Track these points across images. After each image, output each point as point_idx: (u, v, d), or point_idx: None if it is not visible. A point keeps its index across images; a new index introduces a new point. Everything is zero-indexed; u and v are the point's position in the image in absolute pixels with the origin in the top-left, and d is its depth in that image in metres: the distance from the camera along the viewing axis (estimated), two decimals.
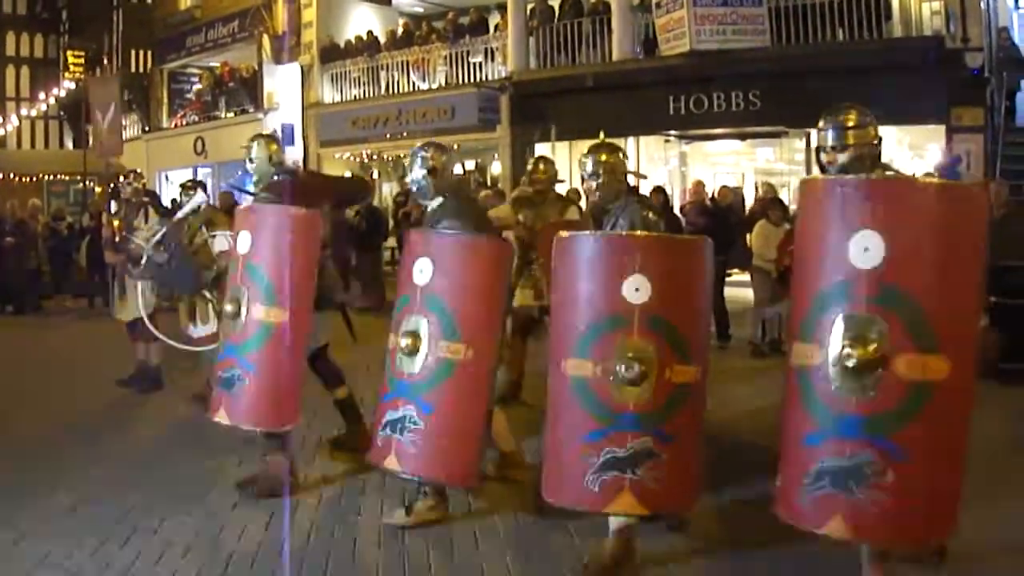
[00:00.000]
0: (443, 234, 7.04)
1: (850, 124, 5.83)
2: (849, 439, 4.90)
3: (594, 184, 6.81)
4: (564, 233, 6.46)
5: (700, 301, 6.16)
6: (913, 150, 22.01)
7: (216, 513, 7.41)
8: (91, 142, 28.54)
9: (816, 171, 6.33)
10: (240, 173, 32.26)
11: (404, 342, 6.64)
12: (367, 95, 30.13)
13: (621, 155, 7.01)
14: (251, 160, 8.63)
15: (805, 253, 5.35)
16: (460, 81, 27.52)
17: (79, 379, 13.03)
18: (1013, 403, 10.32)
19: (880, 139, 5.89)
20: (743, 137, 24.90)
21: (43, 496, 7.78)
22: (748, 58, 21.14)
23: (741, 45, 21.27)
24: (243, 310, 7.51)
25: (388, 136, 28.20)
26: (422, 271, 6.71)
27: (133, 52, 41.26)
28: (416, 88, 28.73)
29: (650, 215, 6.68)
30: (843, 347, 4.91)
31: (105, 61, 42.50)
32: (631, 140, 24.85)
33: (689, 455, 5.94)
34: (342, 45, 31.31)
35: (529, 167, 11.72)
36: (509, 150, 26.21)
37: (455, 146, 28.17)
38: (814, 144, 6.31)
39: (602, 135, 7.19)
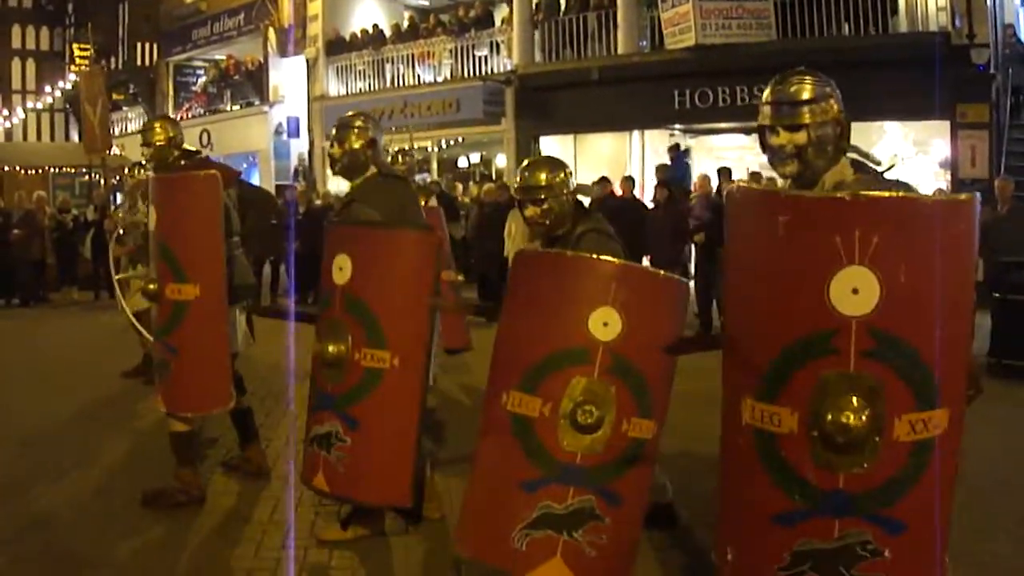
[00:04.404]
0: (360, 227, 6.39)
1: (804, 96, 4.49)
2: (839, 518, 3.87)
3: (538, 210, 5.86)
4: (527, 247, 5.98)
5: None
6: (918, 146, 22.01)
7: (223, 497, 7.52)
8: (81, 137, 28.58)
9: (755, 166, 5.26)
10: (245, 166, 32.50)
11: (326, 348, 6.01)
12: (372, 88, 30.23)
13: (565, 172, 6.00)
14: (148, 145, 8.02)
15: (757, 291, 4.13)
16: (465, 74, 27.65)
17: (85, 370, 13.10)
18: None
19: (844, 116, 4.58)
20: (747, 132, 24.89)
21: (51, 483, 7.85)
22: (753, 52, 21.14)
23: (746, 39, 21.30)
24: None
25: (394, 129, 28.27)
26: (341, 269, 6.05)
27: (139, 45, 41.32)
28: (421, 81, 28.83)
29: (615, 245, 5.75)
30: (828, 415, 3.79)
31: (110, 54, 42.53)
32: (636, 134, 24.93)
33: (634, 522, 5.05)
34: (347, 38, 31.41)
35: (388, 159, 11.92)
36: (514, 143, 26.21)
37: (460, 139, 28.26)
38: (758, 120, 4.76)
39: (540, 150, 6.57)
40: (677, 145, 23.11)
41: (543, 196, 5.82)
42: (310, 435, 6.20)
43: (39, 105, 44.19)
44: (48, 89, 42.78)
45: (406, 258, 6.11)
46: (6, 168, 34.38)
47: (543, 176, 5.88)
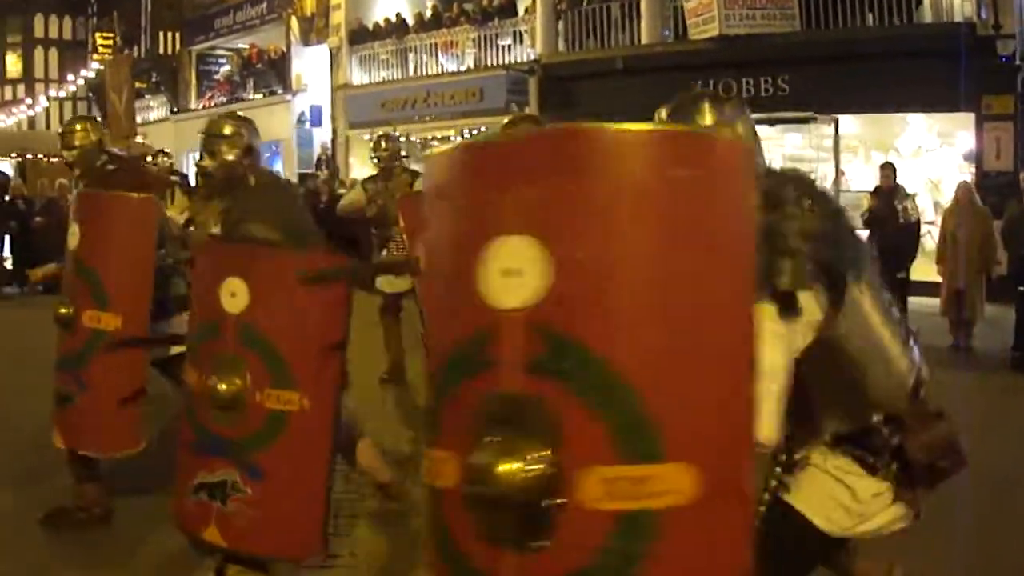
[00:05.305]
0: (257, 247, 5.49)
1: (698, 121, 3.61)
2: None
3: None
4: None
5: None
6: (942, 138, 21.85)
7: None
8: (106, 125, 28.74)
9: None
10: (268, 155, 32.55)
11: (216, 387, 4.93)
12: (396, 77, 30.24)
13: None
14: (70, 148, 7.39)
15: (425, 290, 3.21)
16: (489, 64, 27.61)
17: None
18: None
19: (749, 135, 3.68)
20: (772, 123, 24.77)
21: (63, 476, 7.74)
22: (777, 43, 21.09)
23: (770, 30, 21.23)
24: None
25: (416, 118, 28.25)
26: (234, 295, 4.97)
27: (161, 34, 41.37)
28: (444, 70, 28.81)
29: None
30: (480, 460, 2.47)
31: (133, 43, 42.65)
32: None
33: None
34: (370, 27, 31.38)
35: (372, 144, 11.93)
36: None
37: (483, 128, 28.23)
38: None
39: (519, 110, 5.56)
40: None
41: None
42: (194, 482, 5.10)
43: (62, 94, 44.36)
44: (71, 78, 42.90)
45: (316, 286, 5.03)
46: (29, 156, 34.48)
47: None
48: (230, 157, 6.11)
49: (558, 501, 2.40)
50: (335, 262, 5.14)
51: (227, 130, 6.19)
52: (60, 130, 7.61)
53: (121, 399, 6.59)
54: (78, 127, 7.50)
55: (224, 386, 4.88)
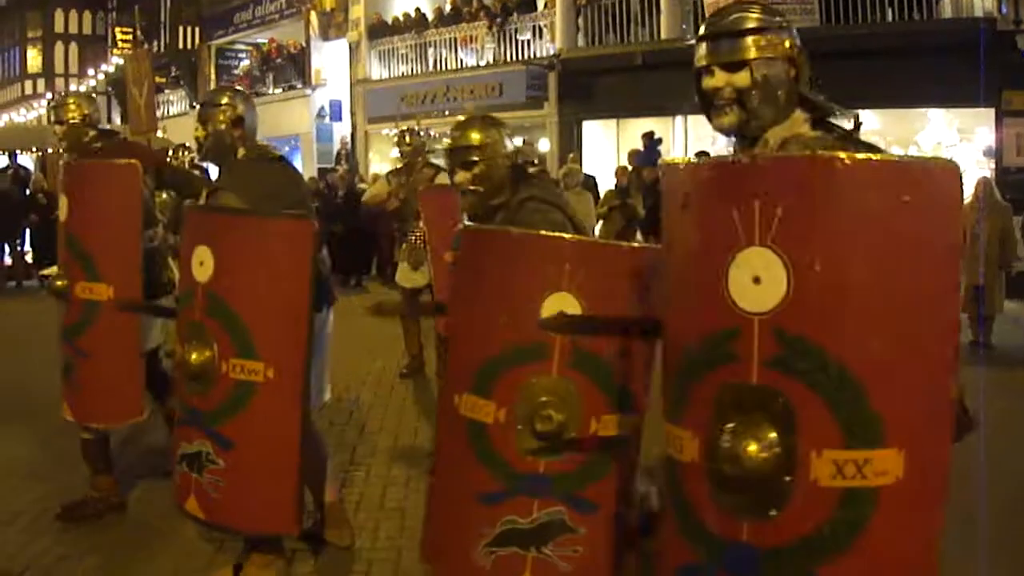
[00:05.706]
0: (221, 214, 5.45)
1: (747, 25, 3.53)
2: None
3: (468, 175, 5.08)
4: (469, 224, 4.93)
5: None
6: (961, 133, 21.81)
7: None
8: (127, 119, 28.73)
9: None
10: (287, 149, 32.60)
11: (187, 357, 4.95)
12: (415, 72, 30.30)
13: (500, 131, 5.22)
14: (61, 123, 7.31)
15: (668, 286, 3.25)
16: (508, 58, 27.63)
17: None
18: None
19: (801, 55, 3.69)
20: None
21: (73, 471, 7.73)
22: None
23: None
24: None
25: (436, 113, 28.28)
26: (202, 263, 4.97)
27: (181, 28, 41.43)
28: (464, 65, 28.87)
29: (557, 216, 4.85)
30: (723, 441, 2.83)
31: (152, 38, 42.72)
32: (679, 119, 24.86)
33: (611, 528, 4.11)
34: (389, 22, 31.47)
35: (395, 139, 11.99)
36: (557, 128, 26.26)
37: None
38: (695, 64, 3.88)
39: (471, 107, 5.43)
40: (651, 133, 23.00)
41: (475, 158, 5.07)
42: (179, 452, 5.20)
43: (82, 88, 44.40)
44: (91, 72, 42.99)
45: (277, 251, 5.00)
46: (50, 151, 34.61)
47: (475, 134, 5.14)
48: (221, 126, 6.03)
49: (793, 478, 2.73)
50: (300, 228, 5.01)
51: (222, 100, 6.13)
52: (51, 103, 7.52)
53: (121, 366, 6.51)
54: (70, 101, 7.44)
55: (195, 356, 4.91)
